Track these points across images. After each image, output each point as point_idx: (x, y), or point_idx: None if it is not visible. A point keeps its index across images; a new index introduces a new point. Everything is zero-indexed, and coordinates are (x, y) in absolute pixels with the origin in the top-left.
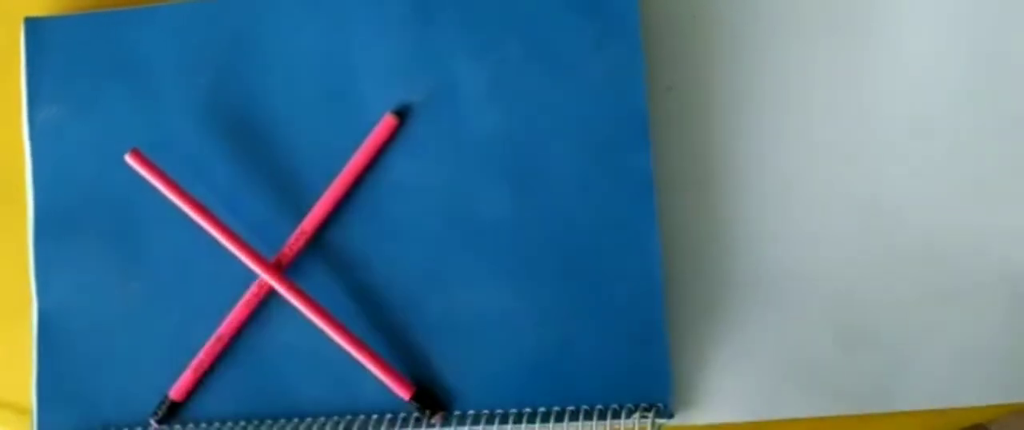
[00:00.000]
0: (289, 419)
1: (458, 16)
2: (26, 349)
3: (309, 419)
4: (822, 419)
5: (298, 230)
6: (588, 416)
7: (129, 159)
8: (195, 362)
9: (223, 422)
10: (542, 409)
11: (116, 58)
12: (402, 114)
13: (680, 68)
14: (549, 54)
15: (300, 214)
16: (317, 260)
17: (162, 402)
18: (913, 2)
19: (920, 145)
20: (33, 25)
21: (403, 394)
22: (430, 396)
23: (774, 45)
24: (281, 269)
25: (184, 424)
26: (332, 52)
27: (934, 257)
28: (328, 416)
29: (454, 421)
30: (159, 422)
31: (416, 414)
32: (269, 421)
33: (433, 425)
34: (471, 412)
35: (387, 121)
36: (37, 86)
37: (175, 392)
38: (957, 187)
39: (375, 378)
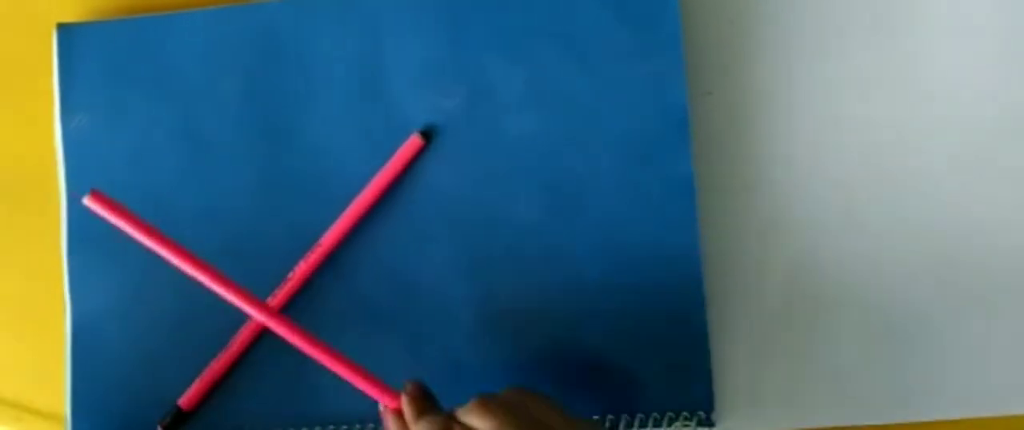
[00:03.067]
0: (307, 429)
1: (494, 21)
2: (59, 358)
3: (331, 428)
4: (862, 428)
5: (319, 244)
6: (628, 424)
7: (88, 201)
8: (206, 371)
9: None
10: (582, 417)
11: (148, 64)
12: (428, 134)
13: (720, 72)
14: (588, 59)
15: (330, 218)
16: (346, 265)
17: (170, 410)
18: (953, 6)
19: (962, 152)
20: (65, 31)
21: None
22: None
23: (814, 49)
24: (298, 282)
25: None
26: (365, 56)
27: (975, 266)
28: (349, 424)
29: None
30: None
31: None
32: None
33: None
34: None
35: (413, 142)
36: (69, 92)
37: (184, 400)
38: (999, 194)
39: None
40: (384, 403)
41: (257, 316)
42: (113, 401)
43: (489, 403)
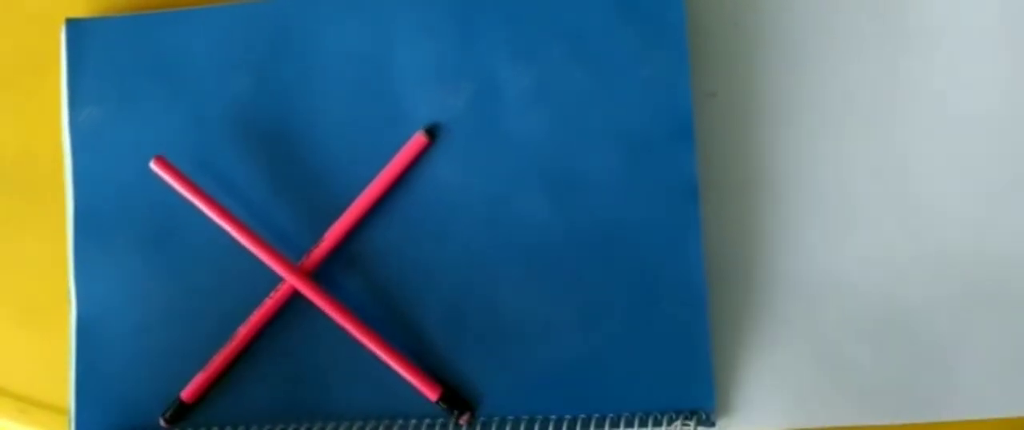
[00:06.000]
0: (310, 423)
1: (501, 21)
2: (64, 350)
3: (331, 424)
4: (864, 428)
5: (322, 240)
6: (629, 423)
7: (154, 166)
8: (208, 364)
9: (247, 426)
10: (582, 415)
11: (156, 60)
12: (433, 132)
13: (723, 73)
14: (594, 59)
15: (334, 214)
16: (350, 262)
17: (173, 402)
18: (960, 9)
19: (964, 151)
20: (74, 26)
21: (430, 395)
22: (458, 397)
23: (817, 50)
24: (307, 272)
25: (206, 426)
26: (373, 56)
27: (978, 264)
28: (351, 421)
29: (494, 427)
30: (168, 422)
31: (442, 418)
32: (294, 425)
33: (460, 427)
34: (511, 418)
35: (417, 140)
36: (77, 87)
37: (186, 393)
38: (1002, 193)
39: (401, 381)
40: (424, 392)
41: (290, 279)
42: (117, 394)
43: None
